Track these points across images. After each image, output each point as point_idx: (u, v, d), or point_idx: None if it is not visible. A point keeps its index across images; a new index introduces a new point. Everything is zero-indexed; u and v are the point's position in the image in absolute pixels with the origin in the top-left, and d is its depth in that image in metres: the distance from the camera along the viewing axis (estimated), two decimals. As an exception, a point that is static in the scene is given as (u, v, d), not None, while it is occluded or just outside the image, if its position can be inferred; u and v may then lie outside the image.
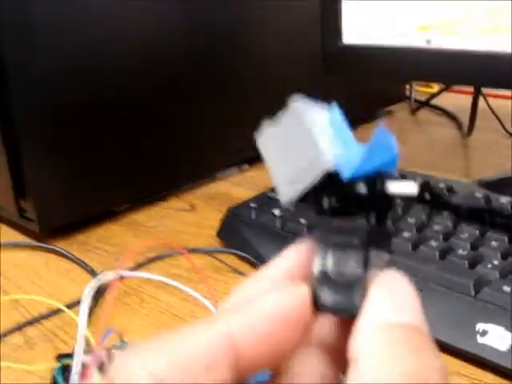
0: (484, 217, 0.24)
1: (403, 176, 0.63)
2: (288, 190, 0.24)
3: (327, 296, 0.23)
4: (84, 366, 0.39)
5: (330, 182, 0.23)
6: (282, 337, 0.22)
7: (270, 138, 0.26)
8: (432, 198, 0.24)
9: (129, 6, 0.67)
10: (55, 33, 0.62)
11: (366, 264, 0.23)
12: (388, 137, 0.23)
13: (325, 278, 0.23)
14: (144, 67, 0.70)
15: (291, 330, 0.23)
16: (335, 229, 0.23)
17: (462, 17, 0.64)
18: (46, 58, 0.62)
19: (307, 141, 0.24)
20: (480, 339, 0.44)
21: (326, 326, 0.25)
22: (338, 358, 0.24)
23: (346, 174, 0.23)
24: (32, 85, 0.61)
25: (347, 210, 0.23)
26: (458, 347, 0.45)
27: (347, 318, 0.22)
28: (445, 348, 0.44)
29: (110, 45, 0.67)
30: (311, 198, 0.24)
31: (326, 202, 0.24)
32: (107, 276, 0.49)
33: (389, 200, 0.24)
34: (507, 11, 0.60)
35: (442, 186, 0.63)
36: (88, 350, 0.42)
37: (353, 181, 0.23)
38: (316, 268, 0.23)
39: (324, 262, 0.23)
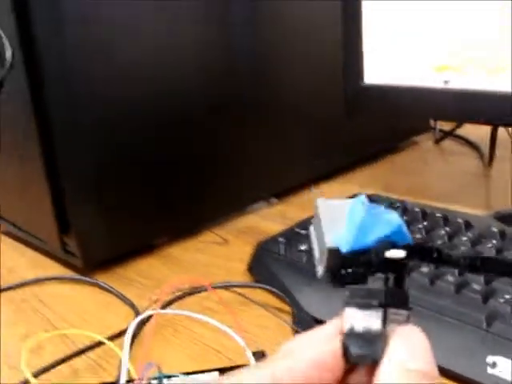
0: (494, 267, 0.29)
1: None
2: (319, 269, 0.32)
3: (354, 348, 0.28)
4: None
5: (341, 259, 0.30)
6: (316, 379, 0.28)
7: (311, 232, 0.36)
8: (424, 257, 0.29)
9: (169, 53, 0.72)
10: (93, 83, 0.66)
11: (384, 320, 0.28)
12: (383, 212, 0.29)
13: (352, 334, 0.28)
14: (183, 109, 0.74)
15: (325, 374, 0.28)
16: (359, 293, 0.29)
17: (475, 60, 0.68)
18: (87, 102, 0.66)
19: (321, 232, 0.32)
20: (490, 370, 0.47)
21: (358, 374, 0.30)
22: None
23: (343, 248, 0.30)
24: (74, 127, 0.66)
25: (355, 277, 0.29)
26: (469, 377, 0.48)
27: (371, 364, 0.27)
28: (456, 378, 0.48)
29: (149, 91, 0.71)
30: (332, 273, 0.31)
31: (330, 273, 0.31)
32: (148, 312, 0.53)
33: (399, 264, 0.29)
34: None
35: (459, 220, 0.66)
36: (129, 381, 0.46)
37: (355, 253, 0.29)
38: (345, 326, 0.28)
39: (351, 320, 0.28)
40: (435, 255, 0.29)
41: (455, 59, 0.70)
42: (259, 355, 0.50)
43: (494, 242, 0.62)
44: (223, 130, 0.79)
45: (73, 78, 0.64)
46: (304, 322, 0.55)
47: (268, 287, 0.62)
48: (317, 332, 0.30)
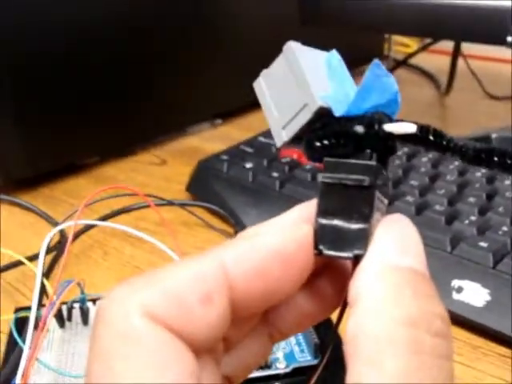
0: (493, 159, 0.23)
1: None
2: (282, 133, 0.24)
3: (329, 237, 0.21)
4: (40, 319, 0.37)
5: (324, 122, 0.23)
6: (278, 275, 0.21)
7: (265, 82, 0.25)
8: (435, 138, 0.22)
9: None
10: None
11: (371, 205, 0.21)
12: (384, 75, 0.22)
13: (330, 220, 0.21)
14: (114, 23, 0.68)
15: (289, 270, 0.21)
16: (340, 168, 0.22)
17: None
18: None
19: (299, 82, 0.23)
20: (455, 295, 0.43)
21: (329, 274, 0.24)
22: (322, 300, 0.24)
23: (337, 111, 0.22)
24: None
25: (340, 149, 0.22)
26: (433, 303, 0.43)
27: (350, 259, 0.21)
28: (419, 304, 0.43)
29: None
30: (305, 138, 0.23)
31: (316, 141, 0.23)
32: (66, 223, 0.47)
33: (389, 141, 0.22)
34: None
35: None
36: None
37: (346, 119, 0.22)
38: (320, 209, 0.22)
39: (329, 202, 0.22)
40: (433, 138, 0.22)
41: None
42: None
43: (456, 164, 0.58)
44: (164, 47, 0.74)
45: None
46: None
47: (210, 206, 0.56)
48: (284, 216, 0.23)
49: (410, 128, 0.22)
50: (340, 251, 0.21)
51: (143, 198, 0.43)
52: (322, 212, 0.21)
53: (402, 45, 1.17)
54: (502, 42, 0.59)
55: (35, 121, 0.64)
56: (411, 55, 1.04)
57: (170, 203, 0.55)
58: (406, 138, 0.22)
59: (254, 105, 0.82)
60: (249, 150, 0.62)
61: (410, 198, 0.51)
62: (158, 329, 0.19)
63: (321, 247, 0.21)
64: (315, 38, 0.84)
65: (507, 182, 0.53)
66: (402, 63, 1.04)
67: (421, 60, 1.04)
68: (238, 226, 0.53)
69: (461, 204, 0.51)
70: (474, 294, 0.42)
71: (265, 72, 0.26)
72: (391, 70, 1.04)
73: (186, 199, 0.61)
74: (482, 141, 0.66)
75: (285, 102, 0.24)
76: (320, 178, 0.22)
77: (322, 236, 0.21)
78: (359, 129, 0.22)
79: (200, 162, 0.63)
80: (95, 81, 0.68)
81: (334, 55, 0.24)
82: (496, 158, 0.22)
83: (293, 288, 0.21)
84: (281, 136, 0.24)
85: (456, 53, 0.87)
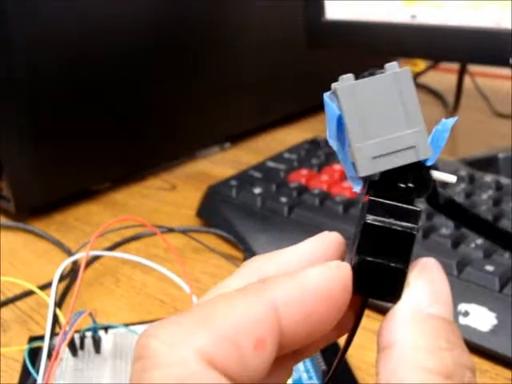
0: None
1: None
2: (370, 163, 0.22)
3: (369, 280, 0.22)
4: (53, 348, 0.38)
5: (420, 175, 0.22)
6: (324, 316, 0.21)
7: (354, 94, 0.22)
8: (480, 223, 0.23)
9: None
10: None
11: (411, 251, 0.22)
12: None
13: (369, 261, 0.22)
14: (124, 49, 0.69)
15: (333, 310, 0.21)
16: (387, 210, 0.22)
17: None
18: (21, 47, 0.60)
19: (410, 116, 0.22)
20: (462, 320, 0.43)
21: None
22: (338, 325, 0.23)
23: (429, 161, 0.22)
24: (8, 72, 0.60)
25: (414, 194, 0.22)
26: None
27: (386, 302, 0.22)
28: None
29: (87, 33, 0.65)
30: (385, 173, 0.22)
31: (401, 182, 0.22)
32: (78, 254, 0.47)
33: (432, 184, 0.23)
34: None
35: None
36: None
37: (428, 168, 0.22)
38: (361, 248, 0.22)
39: (370, 242, 0.22)
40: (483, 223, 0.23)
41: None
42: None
43: (463, 186, 0.58)
44: (173, 72, 0.74)
45: (9, 24, 0.58)
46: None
47: (219, 232, 0.57)
48: (305, 246, 0.23)
49: (449, 178, 0.23)
50: (378, 293, 0.22)
51: (151, 227, 0.44)
52: (362, 251, 0.22)
53: (410, 63, 1.17)
54: (505, 63, 0.59)
55: (47, 148, 0.65)
56: (419, 74, 1.04)
57: (177, 231, 0.56)
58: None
59: (262, 127, 0.84)
60: (257, 175, 0.63)
61: (416, 222, 0.52)
62: (216, 374, 0.18)
63: (359, 288, 0.22)
64: (324, 58, 0.85)
65: (513, 204, 0.54)
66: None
67: (429, 78, 1.04)
68: (247, 251, 0.53)
69: (467, 227, 0.51)
70: (480, 319, 0.43)
71: (351, 84, 0.22)
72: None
73: (196, 225, 0.61)
74: (489, 161, 0.66)
75: (382, 128, 0.22)
76: (368, 219, 0.22)
77: (360, 276, 0.22)
78: (433, 176, 0.22)
79: (209, 187, 0.63)
80: (106, 107, 0.69)
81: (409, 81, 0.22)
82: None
83: (332, 325, 0.21)
84: (365, 165, 0.22)
85: (462, 73, 0.87)
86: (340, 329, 0.23)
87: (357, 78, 0.22)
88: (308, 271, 0.21)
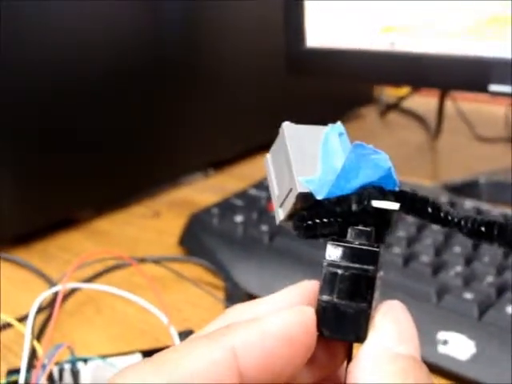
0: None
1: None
2: (280, 211, 0.25)
3: (333, 320, 0.22)
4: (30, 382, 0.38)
5: (311, 204, 0.24)
6: (285, 359, 0.21)
7: (271, 160, 0.27)
8: (433, 211, 0.23)
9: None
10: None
11: (373, 291, 0.22)
12: (372, 153, 0.23)
13: (332, 304, 0.22)
14: (106, 72, 0.69)
15: (295, 352, 0.21)
16: (344, 252, 0.23)
17: (424, 21, 0.63)
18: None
19: (287, 166, 0.25)
20: (441, 348, 0.43)
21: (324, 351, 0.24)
22: (317, 367, 0.24)
23: (318, 195, 0.23)
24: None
25: (327, 228, 0.23)
26: (419, 357, 0.43)
27: (351, 342, 0.22)
28: (405, 358, 0.43)
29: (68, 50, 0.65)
30: (294, 218, 0.24)
31: (302, 221, 0.24)
32: (55, 287, 0.47)
33: (387, 216, 0.23)
34: (470, 15, 0.60)
35: (407, 190, 0.62)
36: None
37: (336, 199, 0.23)
38: (323, 290, 0.22)
39: (331, 285, 0.22)
40: (431, 210, 0.23)
41: (401, 19, 0.65)
42: (186, 334, 0.44)
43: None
44: (156, 98, 0.75)
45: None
46: (237, 298, 0.50)
47: (200, 261, 0.57)
48: (282, 295, 0.24)
49: (391, 206, 0.23)
50: (343, 334, 0.22)
51: (127, 259, 0.44)
52: (325, 294, 0.22)
53: (392, 88, 1.18)
54: (483, 89, 0.60)
55: (28, 177, 0.65)
56: (402, 99, 1.05)
57: (155, 260, 0.56)
58: (406, 211, 0.23)
59: (245, 153, 0.84)
60: (239, 202, 0.63)
61: (397, 250, 0.52)
62: None
63: (324, 330, 0.22)
64: (307, 84, 0.85)
65: (493, 230, 0.54)
66: (394, 107, 1.06)
67: (412, 102, 1.05)
68: (228, 281, 0.53)
69: (447, 254, 0.51)
70: (459, 347, 0.43)
71: (272, 149, 0.27)
72: (383, 113, 1.06)
73: (178, 253, 0.61)
74: (470, 186, 0.67)
75: (281, 181, 0.25)
76: (324, 263, 0.23)
77: (325, 318, 0.22)
78: (338, 209, 0.23)
79: (191, 215, 0.63)
80: (87, 134, 0.69)
81: (336, 128, 0.25)
82: (496, 232, 0.22)
83: (298, 367, 0.22)
84: (278, 214, 0.25)
85: (442, 97, 0.88)
86: (321, 368, 0.24)
87: None
88: (270, 316, 0.21)
